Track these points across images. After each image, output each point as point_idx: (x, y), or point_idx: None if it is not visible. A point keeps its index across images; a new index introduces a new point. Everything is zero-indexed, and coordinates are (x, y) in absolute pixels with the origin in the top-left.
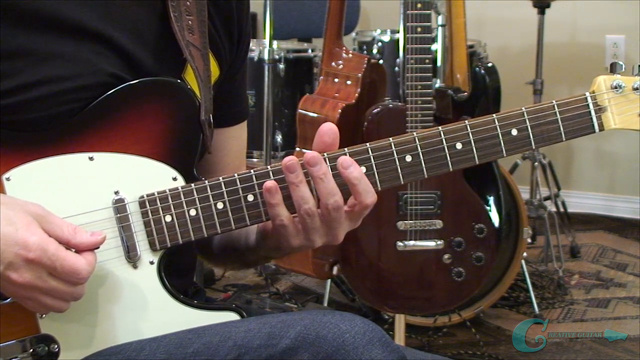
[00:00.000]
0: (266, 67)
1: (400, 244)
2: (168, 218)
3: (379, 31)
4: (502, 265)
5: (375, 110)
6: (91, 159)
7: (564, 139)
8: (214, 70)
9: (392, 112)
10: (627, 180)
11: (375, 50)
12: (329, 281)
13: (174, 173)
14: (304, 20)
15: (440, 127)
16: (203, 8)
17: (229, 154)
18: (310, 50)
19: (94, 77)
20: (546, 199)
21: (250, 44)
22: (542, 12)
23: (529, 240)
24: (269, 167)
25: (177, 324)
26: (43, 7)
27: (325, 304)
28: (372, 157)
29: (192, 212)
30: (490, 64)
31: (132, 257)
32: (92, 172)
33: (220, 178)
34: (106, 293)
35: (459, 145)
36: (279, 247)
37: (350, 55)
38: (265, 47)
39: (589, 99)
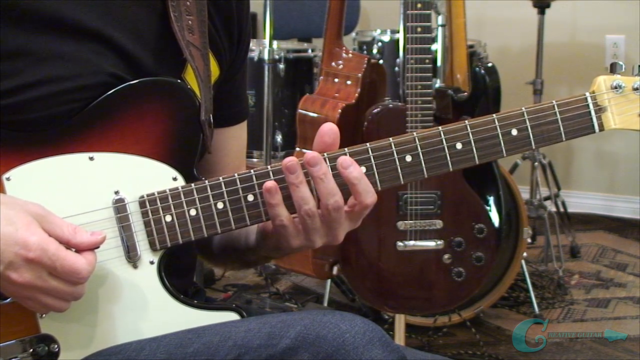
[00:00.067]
0: (266, 67)
1: (400, 244)
2: (168, 218)
3: (379, 31)
4: (502, 265)
5: (375, 110)
6: (91, 158)
7: (564, 139)
8: (214, 70)
9: (392, 112)
10: (627, 180)
11: (375, 50)
12: (329, 281)
13: (174, 173)
14: (304, 20)
15: (440, 127)
16: (203, 8)
17: (229, 154)
18: (310, 50)
19: (94, 77)
20: (546, 199)
21: (250, 44)
22: (542, 12)
23: (529, 240)
24: (269, 167)
25: (177, 324)
26: (43, 7)
27: (325, 304)
28: (372, 157)
29: (192, 212)
30: (490, 64)
31: (132, 257)
32: (92, 172)
33: (221, 178)
34: (106, 293)
35: (459, 145)
36: (279, 247)
37: (350, 55)
38: (265, 47)
39: (589, 99)
